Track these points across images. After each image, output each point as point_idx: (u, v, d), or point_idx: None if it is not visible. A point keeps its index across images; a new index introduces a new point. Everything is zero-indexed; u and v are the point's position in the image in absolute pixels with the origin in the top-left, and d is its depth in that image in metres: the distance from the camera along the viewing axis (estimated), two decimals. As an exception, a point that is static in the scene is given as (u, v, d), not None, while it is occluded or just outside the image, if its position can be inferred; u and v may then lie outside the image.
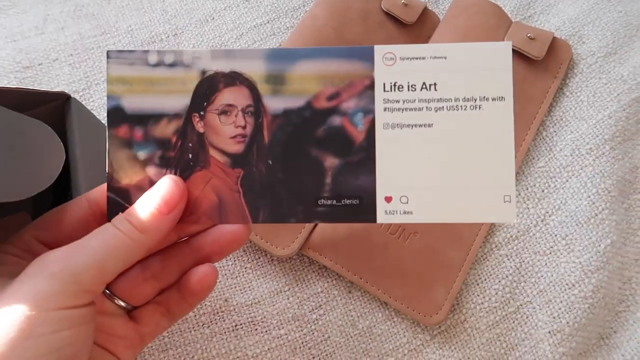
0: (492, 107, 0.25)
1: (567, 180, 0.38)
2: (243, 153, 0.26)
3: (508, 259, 0.37)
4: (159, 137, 0.26)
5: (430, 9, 0.45)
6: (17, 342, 0.20)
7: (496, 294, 0.36)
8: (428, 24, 0.44)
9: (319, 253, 0.37)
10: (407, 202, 0.25)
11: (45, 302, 0.21)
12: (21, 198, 0.27)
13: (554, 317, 0.35)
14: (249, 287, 0.37)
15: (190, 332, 0.35)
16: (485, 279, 0.37)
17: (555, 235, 0.37)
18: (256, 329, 0.36)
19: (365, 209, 0.25)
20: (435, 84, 0.25)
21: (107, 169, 0.26)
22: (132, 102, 0.26)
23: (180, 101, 0.26)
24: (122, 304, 0.27)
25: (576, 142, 0.39)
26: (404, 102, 0.25)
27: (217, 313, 0.36)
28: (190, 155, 0.26)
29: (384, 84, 0.25)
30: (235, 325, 0.36)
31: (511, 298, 0.36)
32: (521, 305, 0.36)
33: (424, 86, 0.25)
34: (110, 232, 0.24)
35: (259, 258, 0.37)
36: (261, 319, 0.36)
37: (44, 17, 0.43)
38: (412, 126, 0.25)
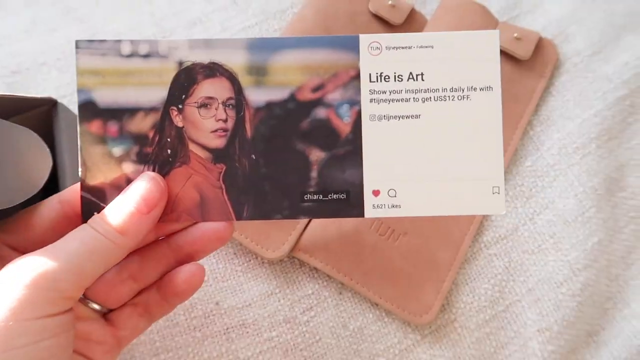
0: (480, 97, 0.25)
1: (555, 179, 0.39)
2: (225, 148, 0.25)
3: (497, 258, 0.37)
4: (135, 132, 0.25)
5: (417, 10, 0.45)
6: None
7: (485, 293, 0.37)
8: (415, 25, 0.44)
9: (310, 255, 0.37)
10: (395, 196, 0.25)
11: (23, 312, 0.20)
12: (8, 206, 0.27)
13: (543, 316, 0.35)
14: (240, 289, 0.37)
15: (182, 335, 0.35)
16: (474, 279, 0.37)
17: (543, 234, 0.37)
18: (247, 332, 0.36)
19: (352, 204, 0.25)
20: (422, 74, 0.25)
21: (80, 167, 0.25)
22: (105, 96, 0.25)
23: (156, 94, 0.25)
24: (98, 307, 0.26)
25: (563, 141, 0.39)
26: (390, 92, 0.25)
27: (208, 316, 0.36)
28: (169, 151, 0.25)
29: (370, 75, 0.25)
30: (227, 329, 0.36)
31: (500, 297, 0.37)
32: (510, 304, 0.36)
33: (410, 76, 0.25)
34: (88, 234, 0.22)
35: (250, 261, 0.38)
36: (252, 321, 0.36)
37: (32, 20, 0.43)
38: (399, 117, 0.25)
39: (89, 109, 0.25)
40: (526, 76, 0.41)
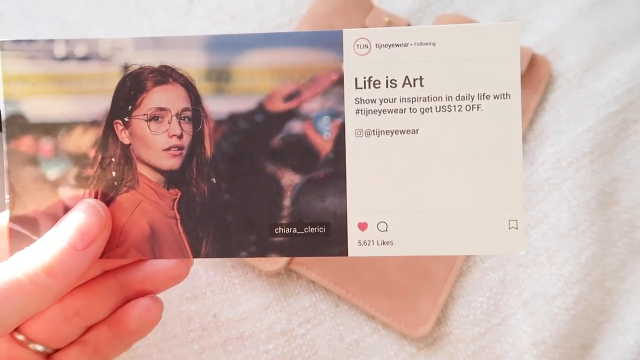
0: (494, 107, 0.20)
1: (549, 194, 0.39)
2: (180, 169, 0.21)
3: (492, 272, 0.38)
4: (73, 150, 0.21)
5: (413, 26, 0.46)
6: None
7: (481, 306, 0.37)
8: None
9: (307, 268, 0.37)
10: (385, 230, 0.21)
11: None
12: None
13: (538, 329, 0.36)
14: (238, 302, 0.37)
15: (179, 348, 0.36)
16: (470, 292, 0.37)
17: (538, 248, 0.38)
18: (245, 344, 0.36)
19: (333, 239, 0.21)
20: (421, 78, 0.20)
21: (6, 193, 0.21)
22: (36, 107, 0.21)
23: (98, 104, 0.21)
24: (39, 348, 0.22)
25: (557, 156, 0.40)
26: (381, 102, 0.20)
27: (206, 329, 0.36)
28: (113, 173, 0.21)
29: (356, 79, 0.20)
30: (224, 341, 0.36)
31: (496, 310, 0.37)
32: (506, 317, 0.37)
33: (406, 81, 0.20)
34: (4, 272, 0.19)
35: (247, 273, 0.38)
36: (250, 334, 0.37)
37: (31, 34, 0.44)
38: (392, 133, 0.20)
39: (18, 124, 0.21)
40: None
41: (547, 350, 0.35)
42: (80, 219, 0.20)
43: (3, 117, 0.21)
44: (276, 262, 0.37)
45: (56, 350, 0.23)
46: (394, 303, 0.37)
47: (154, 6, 0.45)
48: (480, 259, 0.38)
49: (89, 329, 0.24)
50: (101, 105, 0.21)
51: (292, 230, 0.21)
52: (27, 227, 0.21)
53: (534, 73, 0.43)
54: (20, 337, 0.22)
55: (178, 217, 0.21)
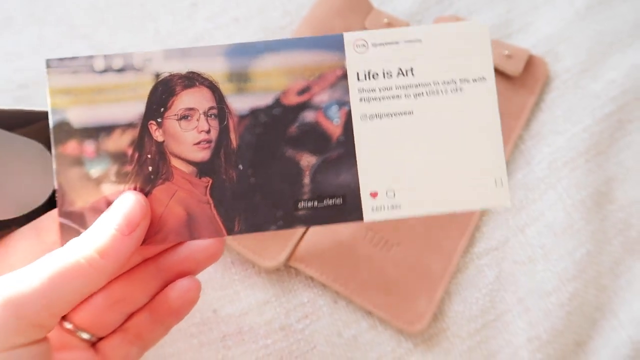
0: (474, 88, 0.24)
1: (545, 192, 0.40)
2: (209, 160, 0.24)
3: (488, 269, 0.38)
4: (113, 150, 0.24)
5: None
6: None
7: (477, 302, 0.37)
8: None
9: (305, 264, 0.38)
10: (394, 196, 0.24)
11: None
12: (13, 216, 0.27)
13: (533, 325, 0.36)
14: (237, 298, 0.38)
15: (179, 342, 0.36)
16: (466, 288, 0.38)
17: (533, 245, 0.38)
18: (244, 339, 0.37)
19: (350, 208, 0.24)
20: (412, 69, 0.24)
21: (56, 192, 0.23)
22: (79, 115, 0.23)
23: (133, 109, 0.24)
24: (85, 336, 0.24)
25: (553, 155, 0.41)
26: (380, 90, 0.24)
27: (206, 324, 0.37)
28: (150, 168, 0.24)
29: (358, 73, 0.24)
30: (224, 336, 0.37)
31: (491, 307, 0.37)
32: (501, 313, 0.37)
33: (400, 72, 0.24)
34: (63, 257, 0.20)
35: (247, 270, 0.39)
36: (249, 329, 0.37)
37: (38, 37, 0.45)
38: (392, 115, 0.24)
39: (64, 130, 0.24)
40: (517, 92, 0.43)
41: (541, 345, 0.35)
42: (124, 208, 0.22)
43: (51, 125, 0.24)
44: (275, 259, 0.38)
45: (100, 339, 0.25)
46: (391, 299, 0.37)
47: (158, 9, 0.46)
48: (477, 257, 0.38)
49: (130, 316, 0.25)
50: (136, 109, 0.24)
51: (313, 204, 0.24)
52: (75, 221, 0.23)
53: (531, 74, 0.43)
54: (69, 326, 0.24)
55: (211, 201, 0.24)
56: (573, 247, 0.38)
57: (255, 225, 0.24)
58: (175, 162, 0.24)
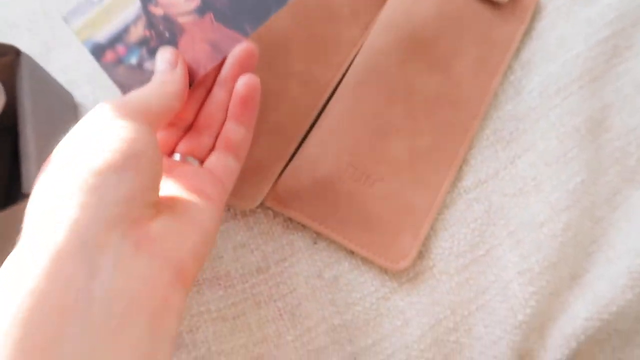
0: None
1: (536, 122, 0.37)
2: (201, 2, 0.30)
3: (477, 203, 0.36)
4: (136, 40, 0.30)
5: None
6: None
7: (465, 238, 0.35)
8: None
9: (284, 205, 0.36)
10: None
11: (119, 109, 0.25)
12: None
13: (524, 257, 0.34)
14: (212, 241, 0.36)
15: (152, 288, 0.34)
16: (453, 224, 0.36)
17: (525, 177, 0.36)
18: (219, 284, 0.35)
19: None
20: None
21: (121, 90, 0.31)
22: (102, 33, 0.30)
23: (133, 7, 0.30)
24: (192, 160, 0.30)
25: (544, 83, 0.38)
26: None
27: (179, 268, 0.35)
28: (167, 34, 0.30)
29: None
30: (198, 281, 0.35)
31: (480, 241, 0.35)
32: (491, 248, 0.35)
33: None
34: (149, 85, 0.28)
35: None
36: (225, 273, 0.35)
37: (42, 45, 0.42)
38: None
39: (99, 48, 0.31)
40: (506, 21, 0.40)
41: (533, 277, 0.33)
42: (162, 55, 0.30)
43: (90, 51, 0.31)
44: (252, 200, 0.36)
45: (203, 161, 0.31)
46: (374, 237, 0.35)
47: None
48: (465, 191, 0.36)
49: (217, 136, 0.31)
50: (134, 6, 0.30)
51: None
52: None
53: (519, 2, 0.41)
54: (177, 157, 0.30)
55: (220, 26, 0.30)
56: (567, 176, 0.35)
57: (260, 17, 0.30)
58: (180, 19, 0.30)
